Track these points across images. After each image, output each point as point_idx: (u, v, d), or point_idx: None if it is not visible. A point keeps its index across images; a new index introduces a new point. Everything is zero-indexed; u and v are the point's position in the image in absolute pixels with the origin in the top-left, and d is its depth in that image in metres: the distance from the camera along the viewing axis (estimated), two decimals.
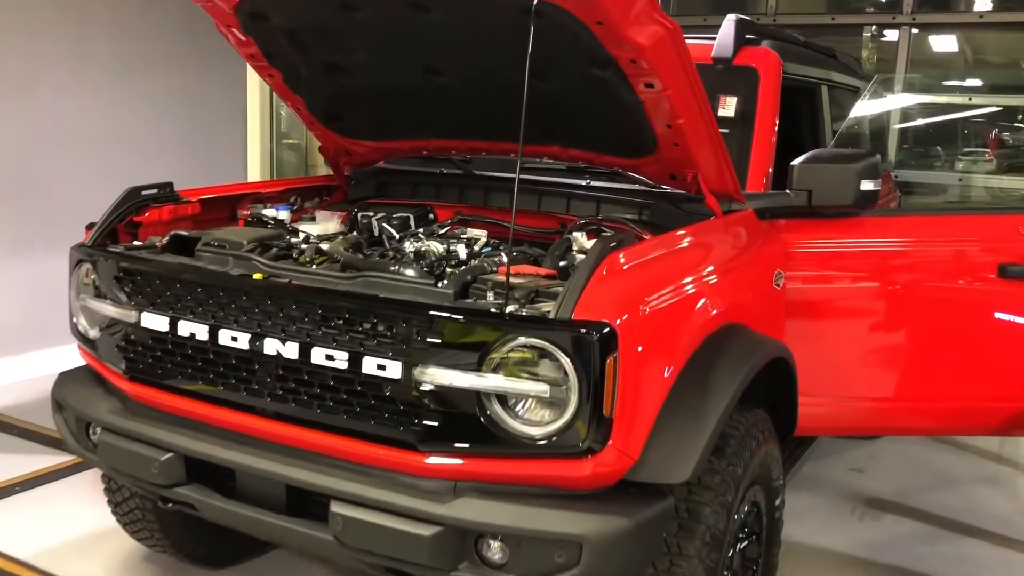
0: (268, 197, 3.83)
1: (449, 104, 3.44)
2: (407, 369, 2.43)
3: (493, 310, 2.42)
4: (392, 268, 2.81)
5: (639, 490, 2.48)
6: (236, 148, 7.46)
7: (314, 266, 2.98)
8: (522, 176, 3.75)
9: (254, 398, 2.67)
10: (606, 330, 2.30)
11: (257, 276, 2.73)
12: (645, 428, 2.45)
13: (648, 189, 3.46)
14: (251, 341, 2.64)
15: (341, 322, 2.52)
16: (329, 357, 2.53)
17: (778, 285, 3.43)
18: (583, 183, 3.60)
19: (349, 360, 2.50)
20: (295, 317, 2.59)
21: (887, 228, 3.66)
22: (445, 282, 2.70)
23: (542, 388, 2.32)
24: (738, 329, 2.91)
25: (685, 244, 2.94)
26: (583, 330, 2.30)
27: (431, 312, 2.42)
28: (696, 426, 2.49)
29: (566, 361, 2.30)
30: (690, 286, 2.74)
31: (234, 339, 2.68)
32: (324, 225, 3.80)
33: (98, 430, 3.02)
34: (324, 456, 2.59)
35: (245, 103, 7.24)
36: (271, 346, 2.61)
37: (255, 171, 7.60)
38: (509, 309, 2.41)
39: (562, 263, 2.94)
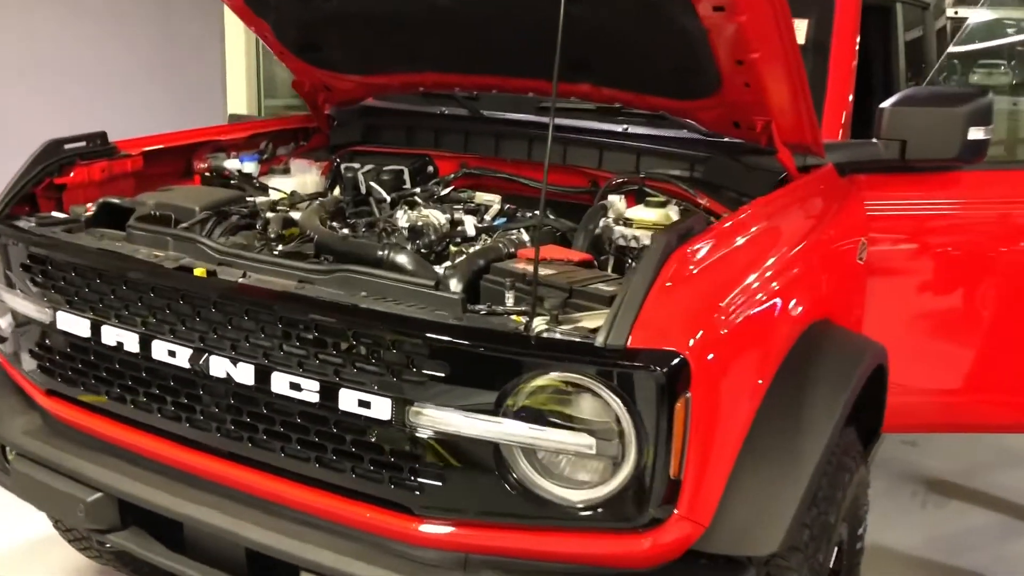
0: (231, 145, 3.13)
1: (451, 29, 2.73)
2: (399, 408, 1.79)
3: (515, 328, 1.76)
4: (380, 253, 2.15)
5: (710, 563, 1.86)
6: (214, 76, 6.68)
7: (279, 248, 2.31)
8: (544, 120, 3.06)
9: (199, 431, 2.04)
10: (675, 362, 1.65)
11: (199, 271, 2.05)
12: (720, 484, 1.82)
13: (702, 139, 2.77)
14: (192, 358, 2.00)
15: (309, 339, 1.86)
16: (294, 386, 1.88)
17: (861, 259, 2.76)
18: (619, 129, 2.90)
19: (321, 392, 1.86)
20: (248, 329, 1.93)
21: (996, 186, 2.97)
22: (448, 268, 2.05)
23: (585, 442, 1.68)
24: (828, 330, 2.26)
25: (764, 223, 2.26)
26: (644, 363, 1.64)
27: (428, 334, 1.76)
28: (788, 479, 1.86)
29: (619, 405, 1.65)
30: (773, 281, 2.07)
31: (171, 354, 2.03)
32: (300, 178, 3.12)
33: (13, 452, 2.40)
34: (293, 511, 1.97)
35: (222, 23, 6.45)
36: (218, 366, 1.97)
37: (239, 100, 6.84)
38: (537, 327, 1.75)
39: (602, 246, 2.27)
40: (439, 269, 2.24)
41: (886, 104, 2.79)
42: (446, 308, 1.83)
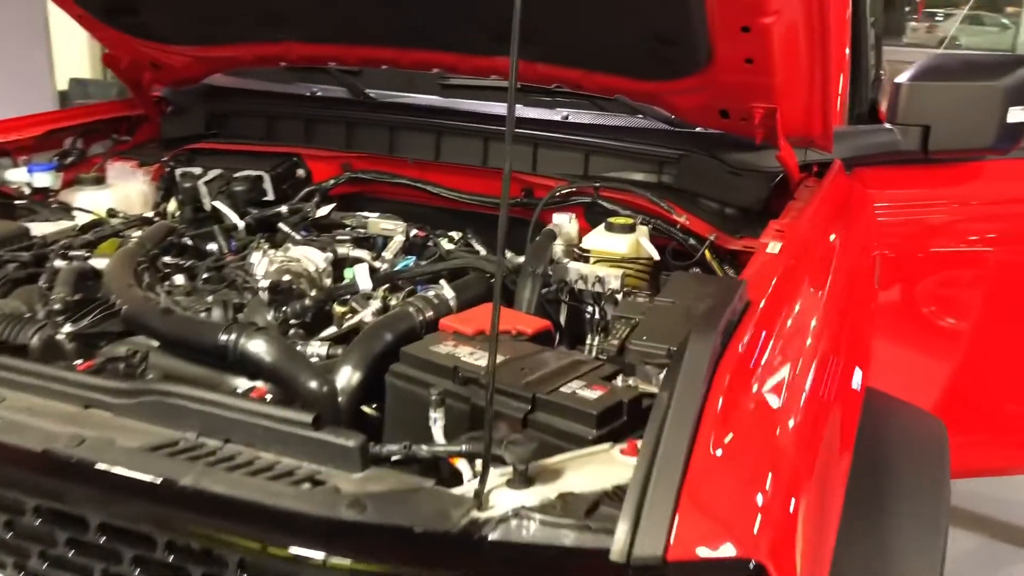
0: (17, 146, 2.25)
1: None
2: None
3: (463, 516, 1.01)
4: (222, 340, 1.36)
5: None
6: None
7: (66, 328, 1.48)
8: (456, 106, 2.29)
9: None
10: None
11: None
12: None
13: (668, 129, 2.07)
14: None
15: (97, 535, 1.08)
16: None
17: (877, 283, 2.13)
18: (559, 118, 2.17)
19: None
20: None
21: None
22: (329, 356, 1.30)
23: None
24: (886, 410, 1.60)
25: (803, 271, 1.55)
26: None
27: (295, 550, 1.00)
28: None
29: None
30: (833, 362, 1.38)
31: None
32: (121, 191, 2.28)
33: None
34: None
35: None
36: None
37: (76, 62, 5.78)
38: (497, 507, 1.01)
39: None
40: (312, 352, 1.48)
41: (903, 79, 2.14)
42: (337, 473, 1.07)
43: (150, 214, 2.21)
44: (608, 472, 1.08)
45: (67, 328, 1.46)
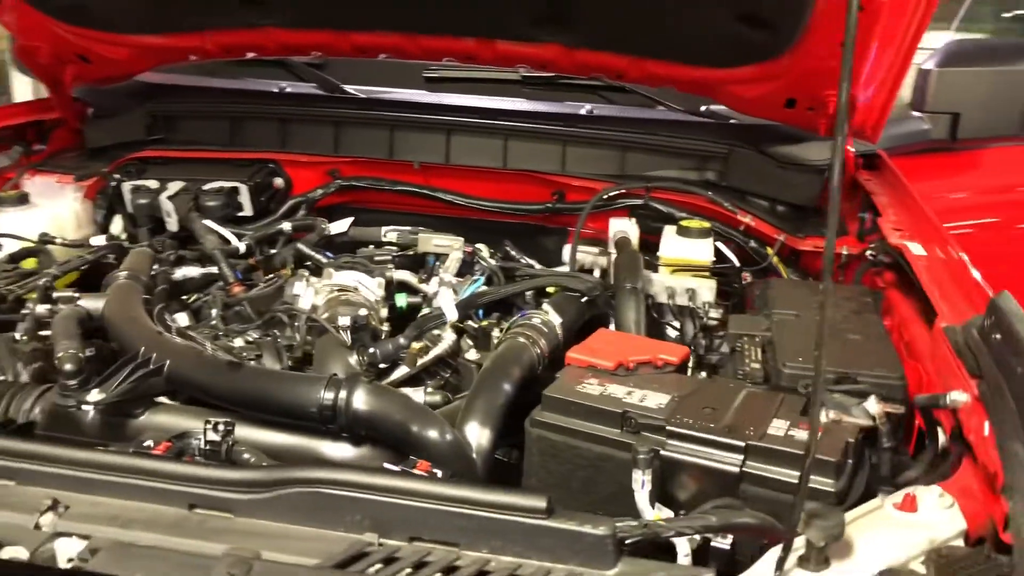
0: None
1: None
2: None
3: None
4: (326, 398, 1.06)
5: None
6: None
7: (94, 394, 1.13)
8: (473, 103, 2.01)
9: None
10: None
11: None
12: None
13: (709, 122, 1.90)
14: None
15: None
16: None
17: None
18: (583, 111, 1.95)
19: None
20: None
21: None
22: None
23: None
24: None
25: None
26: None
27: None
28: None
29: None
30: None
31: None
32: (50, 211, 1.89)
33: None
34: None
35: None
36: None
37: None
38: None
39: None
40: (420, 396, 1.21)
41: (930, 65, 2.05)
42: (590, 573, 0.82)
43: (100, 239, 1.83)
44: (906, 538, 0.88)
45: (95, 395, 1.11)
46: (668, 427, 1.05)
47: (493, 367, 1.21)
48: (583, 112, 1.94)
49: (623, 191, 1.76)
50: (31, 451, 0.92)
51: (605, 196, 1.75)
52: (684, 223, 1.64)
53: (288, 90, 2.07)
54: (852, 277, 1.56)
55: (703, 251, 1.60)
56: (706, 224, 1.64)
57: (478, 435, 1.12)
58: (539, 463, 1.12)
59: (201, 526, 0.88)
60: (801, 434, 1.05)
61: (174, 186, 1.84)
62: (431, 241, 1.64)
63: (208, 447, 1.02)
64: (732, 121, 1.93)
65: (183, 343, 1.21)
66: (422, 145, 1.92)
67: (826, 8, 1.45)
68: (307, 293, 1.38)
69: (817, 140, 1.83)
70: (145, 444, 1.01)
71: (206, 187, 1.84)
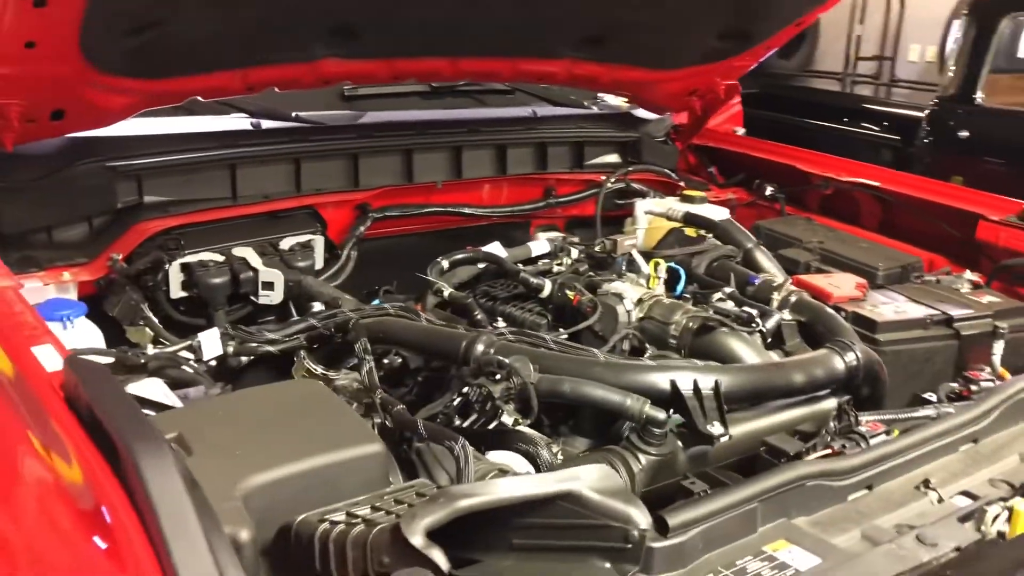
0: None
1: None
2: None
3: None
4: None
5: None
6: None
7: None
8: (462, 116, 2.00)
9: None
10: None
11: None
12: None
13: (610, 113, 2.35)
14: None
15: None
16: None
17: None
18: (527, 114, 2.19)
19: None
20: None
21: None
22: None
23: None
24: None
25: None
26: None
27: None
28: None
29: None
30: None
31: None
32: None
33: None
34: None
35: None
36: None
37: None
38: None
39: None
40: None
41: None
42: None
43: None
44: None
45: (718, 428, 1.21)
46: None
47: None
48: (526, 114, 2.17)
49: (619, 177, 2.12)
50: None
51: (610, 182, 2.09)
52: (687, 192, 2.08)
53: (264, 126, 1.83)
54: None
55: (718, 212, 2.08)
56: (702, 192, 2.11)
57: None
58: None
59: None
60: None
61: (204, 256, 1.58)
62: (623, 243, 1.78)
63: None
64: (595, 110, 2.36)
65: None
66: (437, 165, 1.95)
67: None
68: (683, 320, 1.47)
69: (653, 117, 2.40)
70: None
71: (281, 246, 1.63)
